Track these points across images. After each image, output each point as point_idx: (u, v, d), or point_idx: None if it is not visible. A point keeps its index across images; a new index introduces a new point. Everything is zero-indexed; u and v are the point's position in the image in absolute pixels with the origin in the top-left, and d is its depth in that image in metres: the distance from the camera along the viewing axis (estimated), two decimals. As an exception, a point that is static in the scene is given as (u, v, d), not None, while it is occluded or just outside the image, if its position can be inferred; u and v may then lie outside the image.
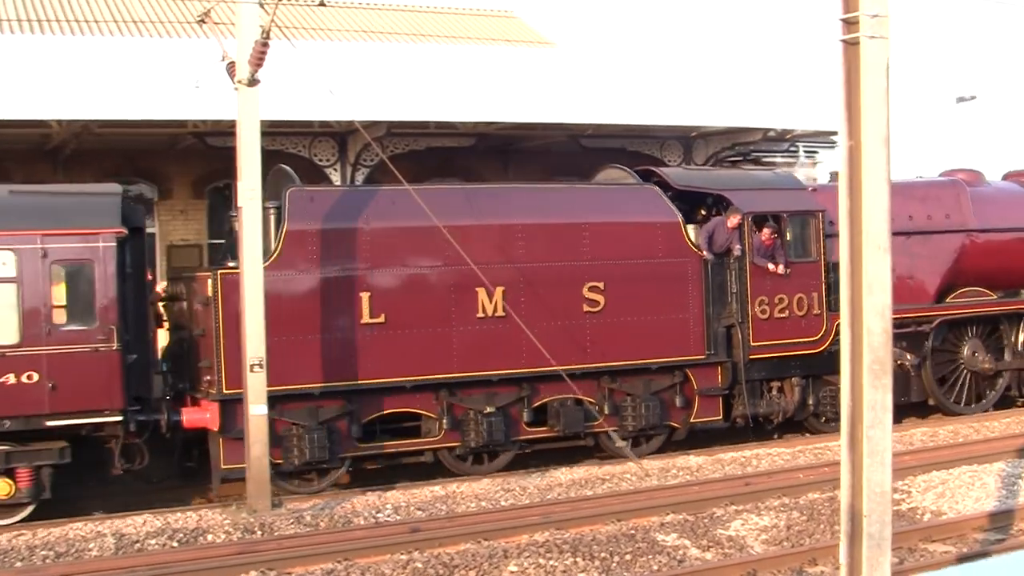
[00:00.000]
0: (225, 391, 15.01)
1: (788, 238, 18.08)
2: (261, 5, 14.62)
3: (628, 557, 11.61)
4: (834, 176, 20.15)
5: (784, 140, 26.09)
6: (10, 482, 14.31)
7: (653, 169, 18.59)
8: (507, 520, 13.38)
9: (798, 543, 12.13)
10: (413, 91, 21.35)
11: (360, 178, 21.81)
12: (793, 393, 18.33)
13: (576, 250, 16.85)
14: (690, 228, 17.70)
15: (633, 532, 12.65)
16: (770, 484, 14.97)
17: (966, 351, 19.74)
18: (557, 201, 17.36)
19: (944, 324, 19.52)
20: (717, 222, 17.83)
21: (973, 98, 33.85)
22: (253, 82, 14.34)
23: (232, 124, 14.87)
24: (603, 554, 11.68)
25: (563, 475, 16.24)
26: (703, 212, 18.50)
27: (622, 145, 24.64)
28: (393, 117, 20.63)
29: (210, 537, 13.35)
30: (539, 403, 16.70)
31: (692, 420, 17.66)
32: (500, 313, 16.26)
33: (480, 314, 16.25)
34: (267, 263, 15.07)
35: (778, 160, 25.42)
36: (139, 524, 13.96)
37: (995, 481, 14.63)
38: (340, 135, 21.88)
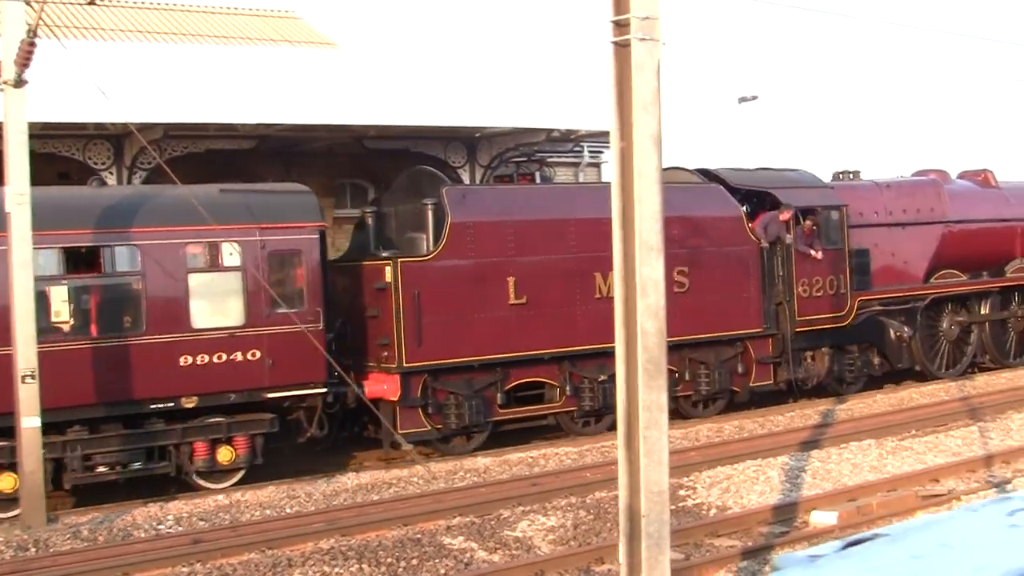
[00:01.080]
0: (405, 364, 17.10)
1: (822, 228, 21.25)
2: (28, 3, 14.33)
3: (415, 562, 11.61)
4: (836, 176, 23.52)
5: (569, 141, 26.77)
6: (232, 449, 16.06)
7: (710, 170, 21.42)
8: (291, 528, 13.24)
9: (585, 542, 12.23)
10: (192, 93, 20.91)
11: (137, 181, 21.30)
12: (823, 361, 21.57)
13: (668, 239, 19.50)
14: (739, 219, 20.66)
15: (420, 536, 12.60)
16: (557, 484, 15.16)
17: (944, 324, 23.42)
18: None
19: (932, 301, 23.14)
20: (771, 216, 20.85)
21: (755, 98, 35.51)
22: (20, 83, 14.10)
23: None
24: (389, 560, 11.69)
25: (349, 480, 16.32)
26: (746, 207, 21.42)
27: (406, 147, 24.60)
28: (170, 119, 20.18)
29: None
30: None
31: (751, 384, 20.65)
32: (609, 295, 18.81)
33: (597, 295, 18.78)
34: (436, 252, 17.26)
35: (563, 161, 28.01)
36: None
37: (779, 475, 15.08)
38: (116, 138, 21.24)
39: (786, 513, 13.09)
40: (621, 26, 8.12)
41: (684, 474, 15.16)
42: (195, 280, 15.87)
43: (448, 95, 24.20)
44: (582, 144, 27.63)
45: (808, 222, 21.04)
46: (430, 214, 17.70)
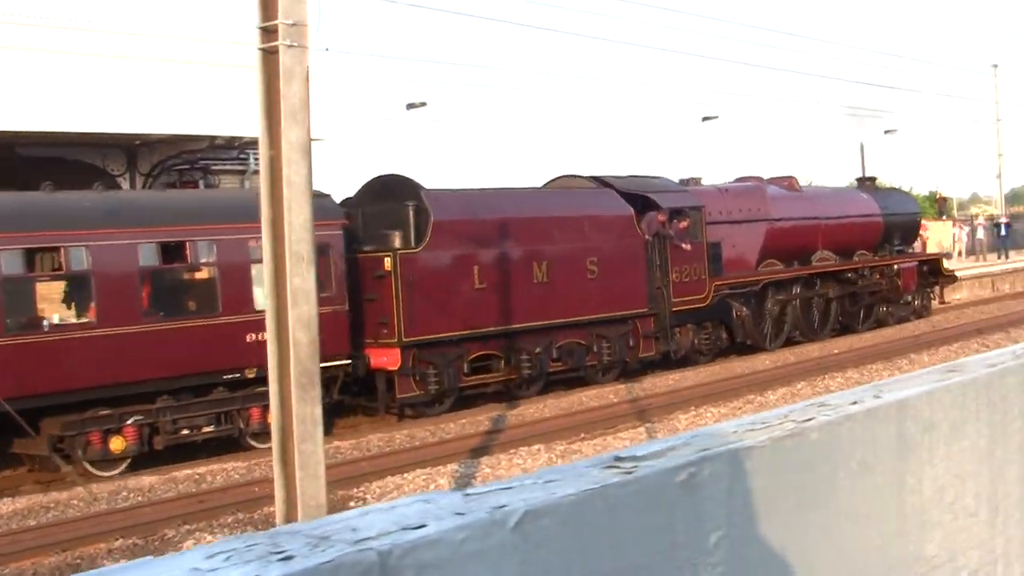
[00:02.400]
0: (404, 339, 20.81)
1: (688, 225, 26.19)
2: None
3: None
4: (683, 182, 28.56)
5: (233, 148, 26.87)
6: (274, 414, 19.37)
7: (600, 177, 25.96)
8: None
9: (253, 559, 13.05)
10: None
11: None
12: (688, 336, 26.53)
13: (583, 234, 23.97)
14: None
15: (79, 561, 12.30)
16: (225, 500, 15.18)
17: (769, 305, 28.85)
18: (565, 200, 24.42)
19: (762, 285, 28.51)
20: (651, 215, 25.58)
21: (424, 104, 37.16)
22: None
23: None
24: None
25: (4, 506, 15.66)
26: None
27: (61, 154, 24.08)
28: None
29: None
30: (559, 344, 23.67)
31: (640, 355, 25.33)
32: (544, 280, 23.11)
33: (535, 280, 22.99)
34: (423, 245, 21.06)
35: (228, 169, 28.53)
36: None
37: (448, 483, 15.33)
38: None
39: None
40: (269, 32, 7.97)
41: (354, 485, 15.56)
42: (256, 269, 19.04)
43: (105, 100, 23.34)
44: (247, 152, 26.89)
45: (682, 221, 25.92)
46: (411, 214, 21.41)
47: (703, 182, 28.89)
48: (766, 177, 30.98)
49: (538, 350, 23.06)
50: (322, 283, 19.30)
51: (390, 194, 22.09)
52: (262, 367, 18.67)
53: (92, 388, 17.22)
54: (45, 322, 17.27)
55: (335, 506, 13.39)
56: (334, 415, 21.43)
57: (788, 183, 30.83)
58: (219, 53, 23.83)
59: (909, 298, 32.93)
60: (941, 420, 3.24)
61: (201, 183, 23.26)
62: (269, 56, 7.96)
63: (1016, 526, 3.61)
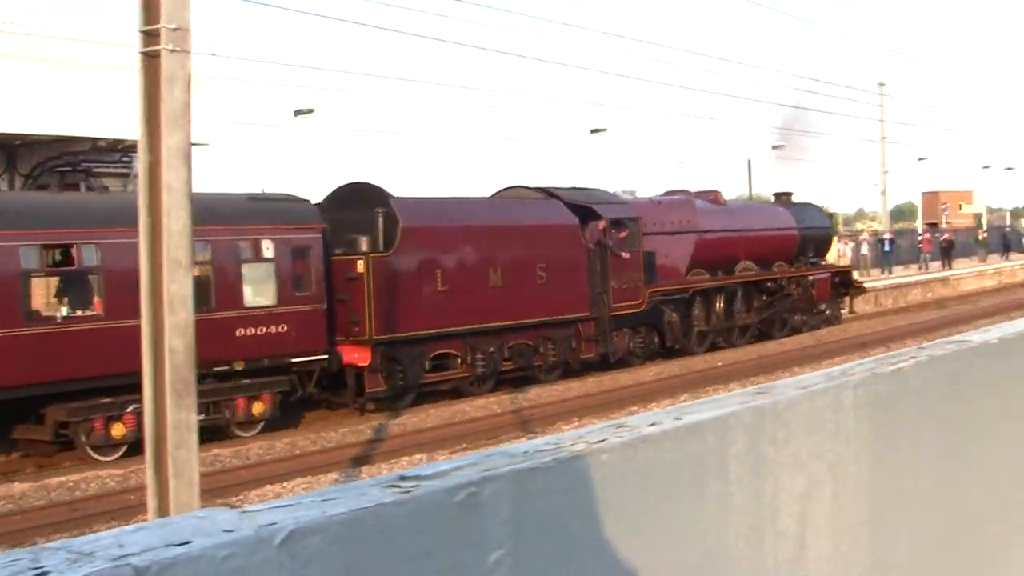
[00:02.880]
0: (375, 337, 22.29)
1: (626, 235, 28.04)
2: None
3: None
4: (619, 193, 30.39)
5: (116, 151, 26.93)
6: (262, 404, 20.74)
7: (547, 188, 27.70)
8: None
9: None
10: None
11: None
12: (624, 339, 28.38)
13: (533, 242, 25.69)
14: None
15: None
16: (99, 508, 15.05)
17: (696, 311, 30.84)
18: (518, 210, 26.13)
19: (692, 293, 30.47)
20: (593, 225, 27.37)
21: (311, 111, 37.27)
22: None
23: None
24: None
25: None
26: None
27: None
28: None
29: None
30: (510, 345, 25.34)
31: (581, 356, 27.09)
32: (499, 284, 24.77)
33: (491, 285, 24.63)
34: (393, 250, 22.58)
35: (111, 171, 28.35)
36: None
37: None
38: None
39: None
40: (150, 36, 7.95)
41: (233, 494, 15.44)
42: (249, 268, 20.43)
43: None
44: (131, 155, 25.92)
45: (620, 231, 27.77)
46: (380, 220, 22.91)
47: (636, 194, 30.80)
48: (693, 191, 32.98)
49: (492, 349, 24.70)
50: (303, 283, 20.93)
51: (360, 200, 23.53)
52: (249, 359, 20.25)
53: (96, 377, 18.41)
54: (58, 315, 18.42)
55: (212, 515, 13.94)
56: (303, 409, 22.88)
57: (713, 197, 32.90)
58: (104, 54, 23.74)
59: (822, 307, 35.24)
60: (739, 443, 3.22)
61: (83, 186, 23.40)
62: (151, 60, 7.92)
63: (826, 558, 3.59)
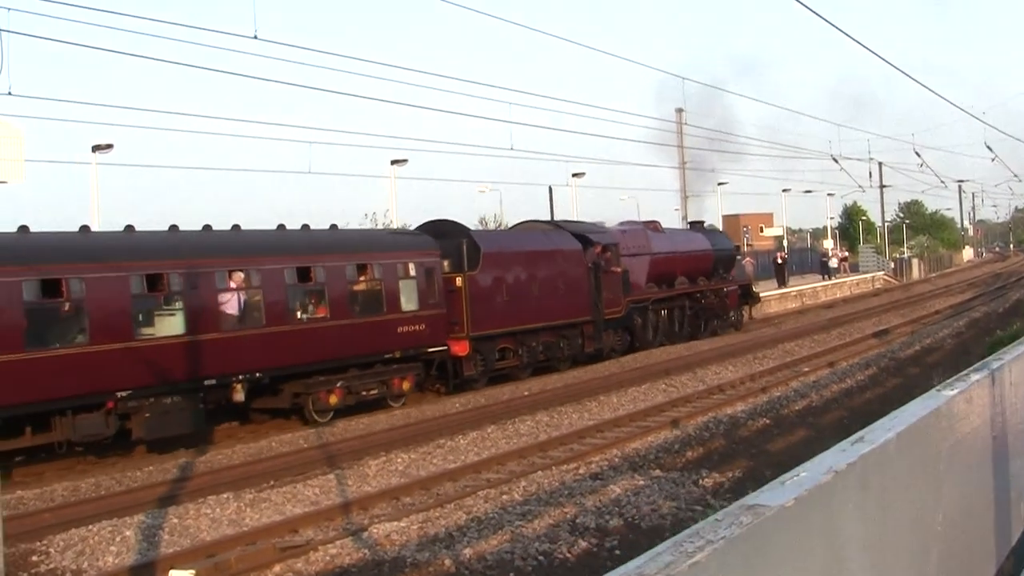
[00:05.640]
0: (471, 334, 30.53)
1: (611, 257, 36.93)
2: None
3: None
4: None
5: None
6: (407, 382, 28.73)
7: (556, 221, 36.39)
8: None
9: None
10: None
11: None
12: (611, 338, 37.20)
13: (558, 262, 34.34)
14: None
15: None
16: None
17: (651, 317, 39.87)
18: (545, 238, 34.80)
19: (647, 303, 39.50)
20: (591, 249, 36.11)
21: (110, 146, 38.20)
22: None
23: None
24: None
25: None
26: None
27: None
28: None
29: None
30: (543, 341, 33.86)
31: (585, 351, 35.76)
32: (537, 294, 33.32)
33: (535, 293, 33.17)
34: (478, 269, 30.91)
35: None
36: None
37: (136, 534, 15.24)
38: None
39: (143, 574, 13.42)
40: None
41: (37, 538, 15.27)
42: (403, 283, 28.45)
43: None
44: None
45: (608, 253, 36.64)
46: (465, 246, 31.13)
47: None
48: (639, 221, 42.26)
49: (534, 344, 33.20)
50: (432, 293, 29.14)
51: (446, 232, 31.64)
52: (403, 349, 28.27)
53: (317, 362, 26.16)
54: (302, 316, 26.17)
55: (16, 563, 14.03)
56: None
57: (654, 226, 42.16)
58: None
59: (731, 314, 44.91)
60: None
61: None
62: None
63: None
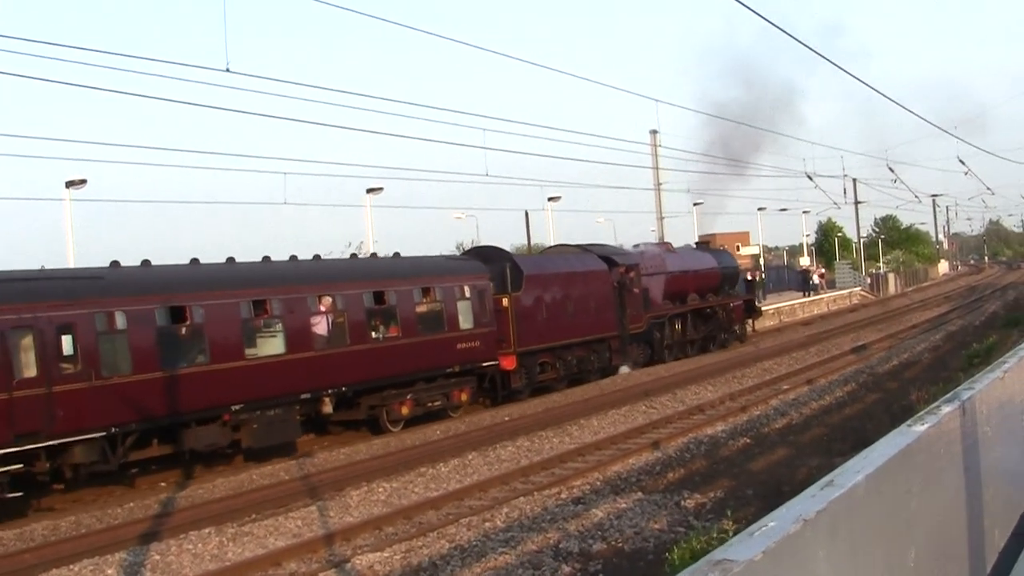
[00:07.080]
0: (517, 349, 33.57)
1: (634, 277, 40.06)
2: None
3: None
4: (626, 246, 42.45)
5: None
6: (465, 394, 31.71)
7: (584, 245, 39.55)
8: None
9: None
10: None
11: None
12: (633, 351, 40.31)
13: (588, 282, 37.44)
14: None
15: None
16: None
17: (667, 331, 43.01)
18: (577, 261, 37.92)
19: (668, 317, 42.63)
20: (616, 270, 39.22)
21: (84, 182, 38.30)
22: None
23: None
24: None
25: None
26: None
27: None
28: None
29: None
30: (577, 355, 36.91)
31: (612, 363, 38.85)
32: (572, 312, 36.41)
33: (570, 311, 36.24)
34: (521, 290, 33.98)
35: None
36: None
37: (117, 573, 15.17)
38: None
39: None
40: None
41: None
42: (460, 304, 31.47)
43: None
44: None
45: (631, 273, 39.77)
46: (509, 269, 34.18)
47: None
48: (654, 242, 45.46)
49: (569, 357, 36.28)
50: (484, 313, 32.23)
51: (490, 257, 34.69)
52: (461, 364, 31.29)
53: (391, 376, 29.09)
54: (378, 335, 29.16)
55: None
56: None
57: (666, 247, 45.42)
58: None
59: (736, 327, 48.14)
60: None
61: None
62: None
63: None
